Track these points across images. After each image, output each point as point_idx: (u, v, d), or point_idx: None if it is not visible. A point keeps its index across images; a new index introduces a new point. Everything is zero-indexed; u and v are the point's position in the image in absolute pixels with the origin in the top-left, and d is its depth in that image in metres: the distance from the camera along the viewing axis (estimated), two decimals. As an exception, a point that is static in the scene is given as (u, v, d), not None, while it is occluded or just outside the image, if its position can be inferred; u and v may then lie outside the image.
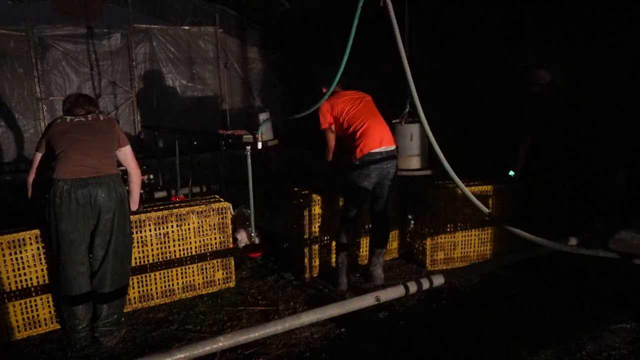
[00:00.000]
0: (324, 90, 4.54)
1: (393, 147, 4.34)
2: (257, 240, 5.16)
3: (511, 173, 4.95)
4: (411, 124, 5.29)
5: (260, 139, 4.68)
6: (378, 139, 4.23)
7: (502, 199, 4.92)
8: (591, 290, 4.29)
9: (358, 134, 4.26)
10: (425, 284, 3.18)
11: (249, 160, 4.63)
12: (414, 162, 5.33)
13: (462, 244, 4.94)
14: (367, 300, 2.96)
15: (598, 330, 3.67)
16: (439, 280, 3.22)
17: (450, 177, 2.83)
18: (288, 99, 12.06)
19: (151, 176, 6.43)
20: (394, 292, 3.12)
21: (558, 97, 4.84)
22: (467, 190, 2.85)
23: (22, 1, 9.61)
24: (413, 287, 3.15)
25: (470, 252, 4.97)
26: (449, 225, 4.89)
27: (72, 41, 10.12)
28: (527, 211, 4.84)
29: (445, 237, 4.90)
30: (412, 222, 5.10)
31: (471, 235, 4.94)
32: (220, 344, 2.44)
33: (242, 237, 5.19)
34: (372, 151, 4.20)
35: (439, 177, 5.18)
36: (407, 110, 5.26)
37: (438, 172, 5.24)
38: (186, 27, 11.09)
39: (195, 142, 6.64)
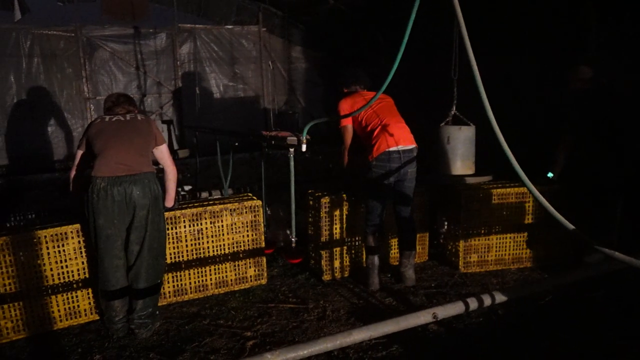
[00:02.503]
0: (345, 90, 4.72)
1: (411, 146, 4.43)
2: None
3: (550, 175, 4.94)
4: (449, 126, 5.31)
5: (304, 141, 4.57)
6: (395, 138, 4.34)
7: (553, 201, 4.91)
8: (631, 300, 4.25)
9: (375, 132, 4.40)
10: (487, 301, 3.09)
11: (292, 163, 4.61)
12: (454, 167, 5.23)
13: (496, 247, 4.97)
14: (423, 317, 2.92)
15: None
16: (501, 298, 3.14)
17: (526, 186, 2.72)
18: (330, 99, 12.21)
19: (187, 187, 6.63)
20: (453, 309, 3.05)
21: (602, 95, 4.80)
22: (547, 203, 2.69)
23: (71, 2, 10.10)
24: (473, 304, 3.06)
25: (505, 255, 5.00)
26: (483, 227, 4.94)
27: (119, 41, 10.57)
28: (569, 216, 4.81)
29: (479, 239, 4.95)
30: (445, 223, 5.15)
31: (506, 238, 4.96)
32: (268, 360, 2.42)
33: (279, 238, 5.38)
34: (388, 150, 4.32)
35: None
36: (452, 112, 5.29)
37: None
38: (230, 27, 11.38)
39: (236, 144, 6.82)
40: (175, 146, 8.11)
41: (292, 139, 4.62)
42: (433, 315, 2.90)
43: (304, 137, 4.50)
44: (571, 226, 2.71)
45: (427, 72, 7.55)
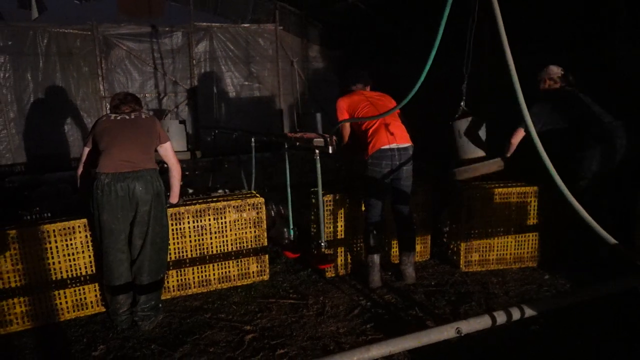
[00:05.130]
0: (346, 89, 4.94)
1: (406, 145, 4.63)
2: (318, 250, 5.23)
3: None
4: (461, 119, 5.43)
5: (332, 142, 4.67)
6: (390, 137, 4.55)
7: (546, 200, 5.10)
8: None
9: (370, 131, 4.61)
10: (516, 314, 3.05)
11: (318, 166, 4.69)
12: (467, 153, 5.35)
13: (498, 246, 5.13)
14: (446, 333, 2.90)
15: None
16: (530, 311, 3.12)
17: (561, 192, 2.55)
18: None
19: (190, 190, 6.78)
20: (478, 323, 2.99)
21: (572, 93, 4.96)
22: (584, 211, 2.54)
23: (88, 1, 10.46)
24: (501, 318, 3.01)
25: (506, 254, 5.16)
26: (484, 227, 5.10)
27: (135, 40, 10.87)
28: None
29: (480, 239, 5.11)
30: (448, 222, 5.33)
31: (508, 237, 5.12)
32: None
33: (284, 236, 5.63)
34: (383, 147, 4.53)
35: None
36: (461, 107, 5.41)
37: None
38: (246, 25, 11.63)
39: (256, 144, 7.00)
40: (189, 146, 8.35)
41: (318, 141, 4.69)
42: (457, 330, 2.88)
43: (332, 139, 4.65)
44: (612, 239, 2.57)
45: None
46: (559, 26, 6.95)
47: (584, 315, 4.05)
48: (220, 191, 7.17)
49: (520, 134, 5.02)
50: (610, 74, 5.93)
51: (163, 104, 11.19)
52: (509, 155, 5.13)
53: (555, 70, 5.10)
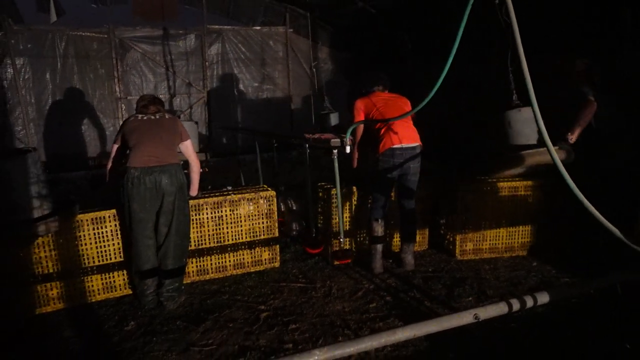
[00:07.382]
0: (363, 91, 5.46)
1: (414, 144, 5.15)
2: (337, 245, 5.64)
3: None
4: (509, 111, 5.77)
5: (348, 142, 5.08)
6: (399, 136, 5.08)
7: (544, 195, 5.60)
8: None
9: (382, 131, 5.14)
10: (529, 302, 3.29)
11: (336, 165, 5.12)
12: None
13: (490, 236, 5.67)
14: (465, 318, 3.11)
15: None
16: (543, 299, 3.34)
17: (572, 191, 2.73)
18: (353, 99, 12.66)
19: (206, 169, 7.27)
20: (494, 310, 3.20)
21: (593, 89, 5.14)
22: (592, 206, 2.72)
23: (104, 4, 11.03)
24: (516, 305, 3.23)
25: (498, 244, 5.70)
26: (478, 219, 5.63)
27: (150, 42, 11.32)
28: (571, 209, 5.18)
29: (474, 230, 5.65)
30: (445, 215, 5.88)
31: (499, 228, 5.65)
32: (316, 357, 2.66)
33: (293, 229, 6.21)
34: (392, 147, 5.07)
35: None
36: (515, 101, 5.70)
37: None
38: (257, 28, 12.11)
39: (276, 144, 7.47)
40: (200, 146, 8.83)
41: (335, 141, 5.21)
42: (474, 316, 3.09)
43: (348, 139, 5.11)
44: (617, 232, 2.79)
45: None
46: (559, 26, 7.13)
47: (579, 308, 4.40)
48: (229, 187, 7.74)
49: (592, 106, 4.92)
50: (611, 74, 6.05)
51: (177, 105, 11.65)
52: (575, 137, 4.97)
53: (579, 64, 5.31)
